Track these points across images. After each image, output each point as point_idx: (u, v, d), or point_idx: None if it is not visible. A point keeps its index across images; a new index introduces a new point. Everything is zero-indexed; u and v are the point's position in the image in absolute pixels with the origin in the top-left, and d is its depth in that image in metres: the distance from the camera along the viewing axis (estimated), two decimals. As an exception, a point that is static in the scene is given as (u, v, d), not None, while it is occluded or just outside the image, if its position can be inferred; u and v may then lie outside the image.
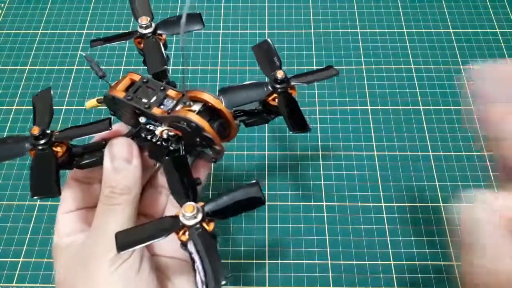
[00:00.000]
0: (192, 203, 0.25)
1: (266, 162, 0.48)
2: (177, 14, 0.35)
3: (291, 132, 0.30)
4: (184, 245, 0.25)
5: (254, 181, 0.27)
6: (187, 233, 0.25)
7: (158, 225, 0.26)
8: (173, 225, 0.25)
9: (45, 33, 0.58)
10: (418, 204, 0.45)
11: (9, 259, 0.43)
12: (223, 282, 0.23)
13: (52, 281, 0.41)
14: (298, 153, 0.48)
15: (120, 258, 0.27)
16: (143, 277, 0.28)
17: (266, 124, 0.49)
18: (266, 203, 0.45)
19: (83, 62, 0.55)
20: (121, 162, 0.29)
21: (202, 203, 0.25)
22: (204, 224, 0.25)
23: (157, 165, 0.33)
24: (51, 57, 0.56)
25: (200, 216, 0.25)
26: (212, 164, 0.34)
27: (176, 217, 0.25)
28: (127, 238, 0.25)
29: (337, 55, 0.55)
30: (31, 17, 0.60)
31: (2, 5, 0.61)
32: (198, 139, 0.29)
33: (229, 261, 0.42)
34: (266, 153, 0.48)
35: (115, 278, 0.27)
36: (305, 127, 0.30)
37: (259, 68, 0.32)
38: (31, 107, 0.30)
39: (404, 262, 0.42)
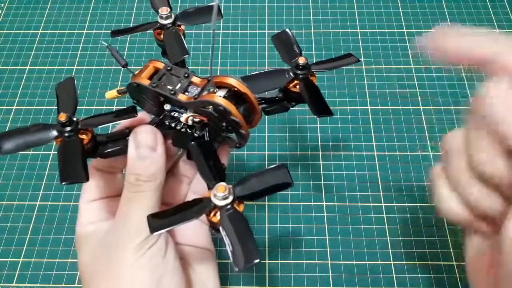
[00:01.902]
0: (224, 183, 0.25)
1: (266, 162, 0.48)
2: (195, 6, 0.35)
3: (315, 116, 0.30)
4: (213, 227, 0.25)
5: (280, 164, 0.27)
6: (218, 214, 0.25)
7: (189, 207, 0.25)
8: (204, 206, 0.25)
9: (45, 33, 0.58)
10: (418, 204, 0.45)
11: (9, 259, 0.43)
12: (256, 261, 0.23)
13: (52, 281, 0.41)
14: (298, 153, 0.48)
15: (147, 244, 0.27)
16: (169, 263, 0.28)
17: (266, 125, 0.50)
18: (266, 203, 0.45)
19: (83, 62, 0.55)
20: (146, 149, 0.29)
21: (231, 185, 0.25)
22: (235, 205, 0.25)
23: (179, 153, 0.33)
24: (51, 57, 0.56)
25: (231, 197, 0.25)
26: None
27: (207, 198, 0.25)
28: (159, 220, 0.25)
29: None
30: (31, 17, 0.60)
31: (2, 5, 0.61)
32: (224, 124, 0.29)
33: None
34: (266, 153, 0.48)
35: (142, 264, 0.27)
36: (329, 111, 0.30)
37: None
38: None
39: (404, 262, 0.42)
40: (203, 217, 0.25)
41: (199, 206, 0.25)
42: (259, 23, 0.59)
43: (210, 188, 0.25)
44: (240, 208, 0.25)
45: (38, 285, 0.41)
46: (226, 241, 0.24)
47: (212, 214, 0.25)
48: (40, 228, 0.44)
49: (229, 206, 0.25)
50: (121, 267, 0.27)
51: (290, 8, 0.60)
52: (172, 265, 0.28)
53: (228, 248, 0.24)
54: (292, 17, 0.59)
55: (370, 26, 0.58)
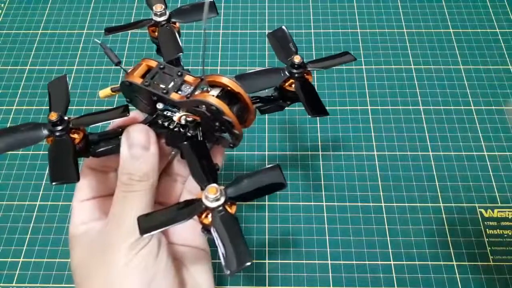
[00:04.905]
0: (215, 185, 0.24)
1: (266, 162, 0.48)
2: (189, 3, 0.35)
3: (309, 117, 0.29)
4: (205, 228, 0.25)
5: (274, 165, 0.26)
6: (209, 216, 0.24)
7: (181, 208, 0.25)
8: (195, 207, 0.24)
9: (45, 33, 0.58)
10: (418, 204, 0.45)
11: (9, 259, 0.43)
12: (248, 264, 0.23)
13: (52, 281, 0.41)
14: (298, 153, 0.48)
15: (139, 244, 0.27)
16: (161, 263, 0.28)
17: (266, 125, 0.50)
18: (266, 203, 0.45)
19: (83, 62, 0.55)
20: (139, 149, 0.28)
21: (223, 186, 0.25)
22: (227, 207, 0.25)
23: (173, 152, 0.33)
24: (51, 57, 0.56)
25: (223, 199, 0.24)
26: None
27: (198, 200, 0.25)
28: (149, 221, 0.24)
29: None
30: (31, 17, 0.60)
31: (2, 5, 0.61)
32: (217, 124, 0.28)
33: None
34: (266, 153, 0.48)
35: (134, 264, 0.27)
36: (324, 111, 0.29)
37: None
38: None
39: (404, 262, 0.42)
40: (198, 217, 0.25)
41: (190, 208, 0.25)
42: (259, 23, 0.59)
43: (202, 189, 0.25)
44: (232, 209, 0.25)
45: (38, 285, 0.41)
46: (218, 243, 0.23)
47: (203, 215, 0.25)
48: (40, 228, 0.44)
49: (220, 208, 0.24)
50: (113, 267, 0.27)
51: (290, 8, 0.60)
52: (164, 265, 0.28)
53: (220, 250, 0.23)
54: (292, 17, 0.59)
55: (370, 26, 0.58)
